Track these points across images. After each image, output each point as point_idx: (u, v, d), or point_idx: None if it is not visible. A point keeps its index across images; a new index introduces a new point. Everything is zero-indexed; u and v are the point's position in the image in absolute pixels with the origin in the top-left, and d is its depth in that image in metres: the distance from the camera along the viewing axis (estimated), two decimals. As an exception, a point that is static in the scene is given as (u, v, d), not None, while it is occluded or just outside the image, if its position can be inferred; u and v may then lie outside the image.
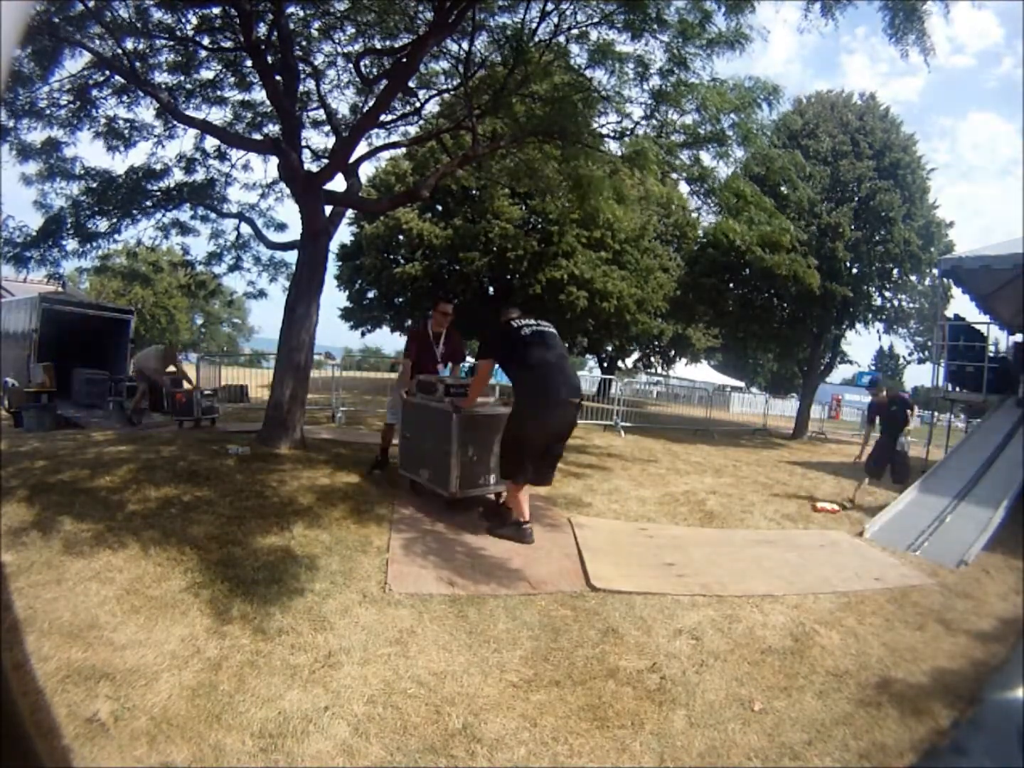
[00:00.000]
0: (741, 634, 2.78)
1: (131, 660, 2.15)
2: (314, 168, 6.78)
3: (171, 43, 6.48)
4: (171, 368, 8.49)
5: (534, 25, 5.60)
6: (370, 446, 6.39)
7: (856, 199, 12.15)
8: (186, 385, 8.16)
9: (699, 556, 3.84)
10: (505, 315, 3.96)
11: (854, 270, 12.45)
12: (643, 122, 5.74)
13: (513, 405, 3.80)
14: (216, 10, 6.09)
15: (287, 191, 7.21)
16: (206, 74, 6.97)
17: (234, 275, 8.36)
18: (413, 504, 4.35)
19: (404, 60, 5.73)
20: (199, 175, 7.64)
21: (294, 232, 7.33)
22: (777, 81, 5.34)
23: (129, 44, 6.12)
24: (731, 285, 13.55)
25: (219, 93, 7.15)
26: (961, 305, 35.06)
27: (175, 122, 6.84)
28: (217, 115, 7.25)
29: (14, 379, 9.67)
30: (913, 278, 12.99)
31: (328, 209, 6.32)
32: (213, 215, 7.96)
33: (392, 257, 17.60)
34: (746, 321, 13.49)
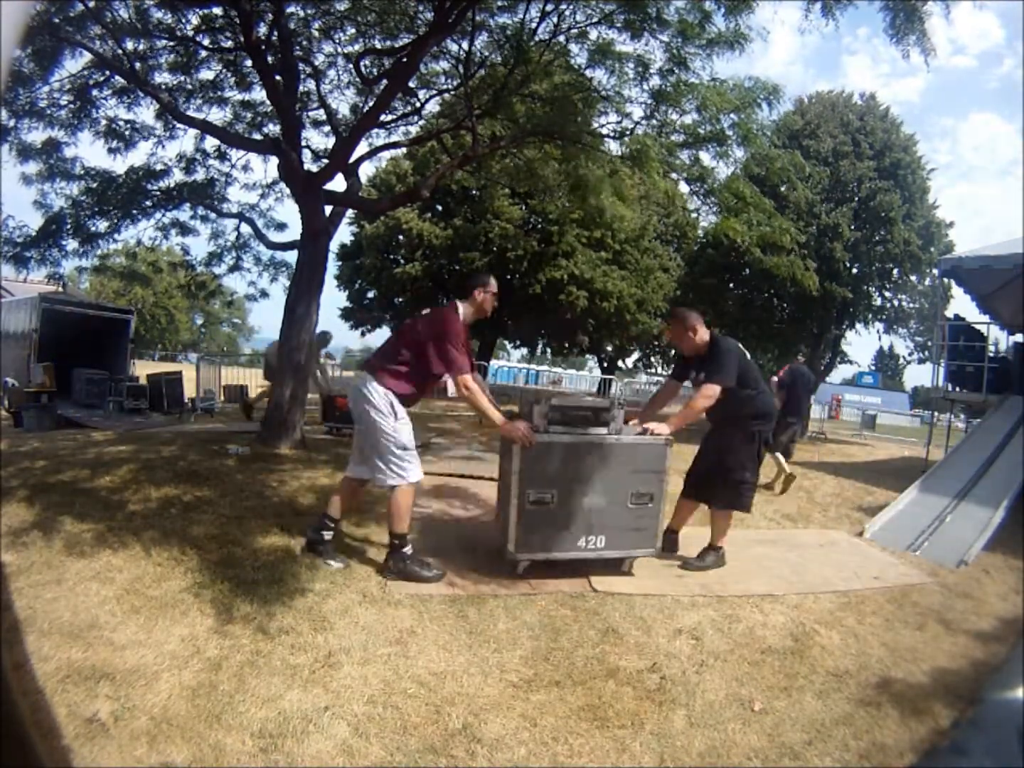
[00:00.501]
0: (741, 634, 2.77)
1: (131, 660, 2.15)
2: (314, 168, 6.78)
3: (171, 43, 6.49)
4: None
5: (534, 25, 5.60)
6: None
7: (856, 199, 12.17)
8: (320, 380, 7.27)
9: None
10: (703, 326, 3.47)
11: (854, 270, 12.47)
12: (643, 122, 5.74)
13: (744, 430, 3.48)
14: (216, 10, 6.10)
15: (287, 191, 7.21)
16: (206, 74, 6.98)
17: (234, 275, 8.36)
18: (414, 504, 4.35)
19: (404, 60, 5.73)
20: (199, 175, 7.64)
21: (294, 232, 7.33)
22: (778, 82, 5.37)
23: (129, 44, 6.13)
24: (731, 285, 13.58)
25: (219, 93, 7.15)
26: (961, 305, 35.03)
27: (175, 122, 6.84)
28: (217, 115, 7.27)
29: (14, 379, 9.68)
30: (913, 278, 13.01)
31: (328, 209, 6.32)
32: (213, 215, 7.96)
33: (392, 257, 17.60)
34: (746, 321, 13.50)
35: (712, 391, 3.27)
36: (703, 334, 3.46)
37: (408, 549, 3.08)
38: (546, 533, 3.07)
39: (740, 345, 3.57)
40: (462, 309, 3.17)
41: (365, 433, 3.06)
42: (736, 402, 3.37)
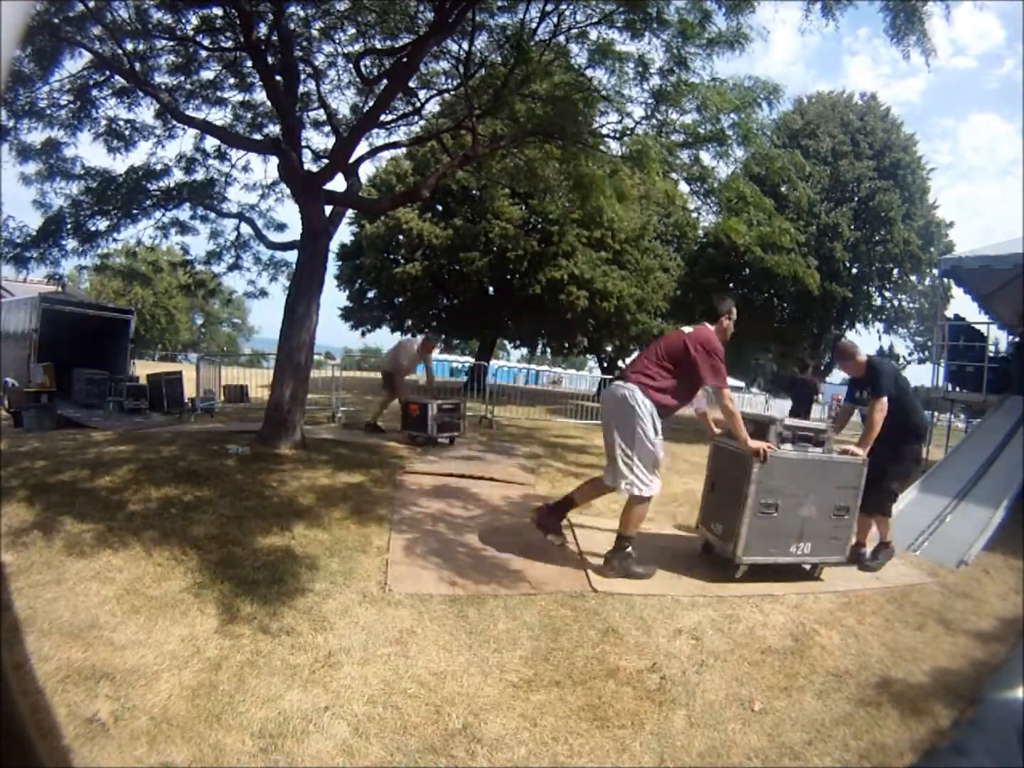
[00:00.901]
0: (741, 634, 2.78)
1: (131, 660, 2.15)
2: (314, 168, 6.78)
3: (171, 44, 6.48)
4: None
5: (534, 25, 5.60)
6: (370, 447, 6.39)
7: (856, 199, 12.16)
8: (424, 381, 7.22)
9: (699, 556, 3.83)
10: (862, 351, 3.89)
11: (854, 270, 12.46)
12: (643, 122, 5.74)
13: (903, 446, 3.84)
14: (216, 10, 6.09)
15: (287, 191, 7.21)
16: (206, 75, 6.98)
17: (234, 274, 8.36)
18: (415, 505, 4.36)
19: (404, 60, 5.73)
20: (199, 175, 7.64)
21: (294, 232, 7.33)
22: (779, 82, 5.36)
23: (129, 45, 6.12)
24: (731, 285, 13.57)
25: (219, 94, 7.16)
26: (961, 305, 35.02)
27: (175, 122, 6.83)
28: (217, 116, 7.27)
29: (14, 379, 9.68)
30: (913, 278, 13.01)
31: (328, 209, 6.32)
32: (213, 215, 7.96)
33: (392, 257, 17.58)
34: (746, 321, 13.49)
35: (882, 404, 3.65)
36: (863, 357, 3.92)
37: (630, 550, 3.35)
38: (768, 539, 3.36)
39: (895, 365, 3.83)
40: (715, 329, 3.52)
41: (620, 439, 3.28)
42: (893, 420, 3.67)
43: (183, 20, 6.19)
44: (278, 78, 5.86)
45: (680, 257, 18.49)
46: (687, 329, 3.51)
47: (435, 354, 7.49)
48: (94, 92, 6.56)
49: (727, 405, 3.32)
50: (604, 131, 6.06)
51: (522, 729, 1.99)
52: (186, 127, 6.84)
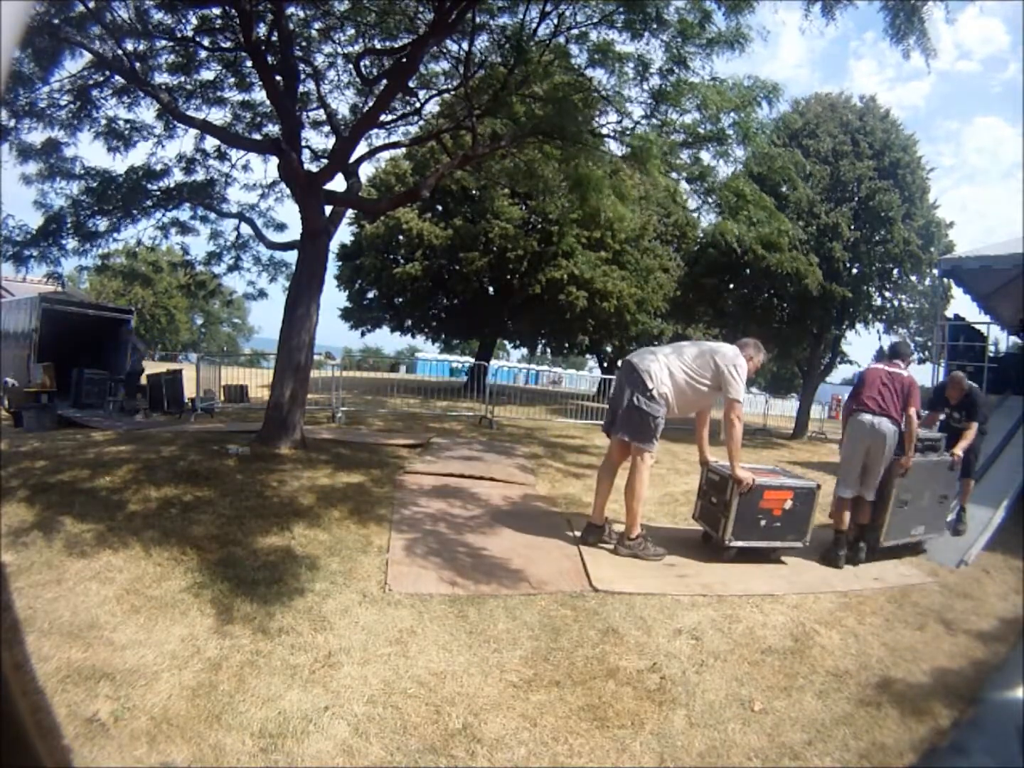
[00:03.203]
0: (741, 634, 2.78)
1: (131, 660, 2.15)
2: (314, 168, 6.78)
3: (171, 44, 6.48)
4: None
5: (534, 26, 5.60)
6: (370, 446, 6.40)
7: (856, 199, 12.12)
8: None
9: (700, 556, 3.84)
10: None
11: (854, 270, 12.42)
12: (643, 121, 5.74)
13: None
14: (216, 10, 6.09)
15: (287, 191, 7.21)
16: (206, 75, 6.97)
17: (234, 275, 8.34)
18: (415, 504, 4.36)
19: (404, 60, 5.73)
20: (199, 175, 7.63)
21: (294, 232, 7.32)
22: (785, 84, 5.36)
23: (129, 45, 6.12)
24: (731, 285, 13.52)
25: (219, 94, 7.15)
26: (961, 305, 35.04)
27: (175, 122, 6.83)
28: (217, 116, 7.26)
29: (14, 379, 9.67)
30: (913, 278, 12.95)
31: (328, 209, 6.32)
32: (213, 215, 7.96)
33: (392, 257, 17.59)
34: (746, 321, 13.45)
35: (975, 428, 4.67)
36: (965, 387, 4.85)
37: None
38: (906, 524, 4.15)
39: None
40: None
41: (877, 462, 3.95)
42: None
43: (183, 20, 6.19)
44: (278, 78, 5.86)
45: (680, 257, 18.48)
46: (901, 371, 4.11)
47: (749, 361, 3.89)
48: (94, 92, 6.55)
49: (916, 429, 4.06)
50: (604, 131, 6.06)
51: (522, 729, 1.99)
52: (186, 127, 6.84)
